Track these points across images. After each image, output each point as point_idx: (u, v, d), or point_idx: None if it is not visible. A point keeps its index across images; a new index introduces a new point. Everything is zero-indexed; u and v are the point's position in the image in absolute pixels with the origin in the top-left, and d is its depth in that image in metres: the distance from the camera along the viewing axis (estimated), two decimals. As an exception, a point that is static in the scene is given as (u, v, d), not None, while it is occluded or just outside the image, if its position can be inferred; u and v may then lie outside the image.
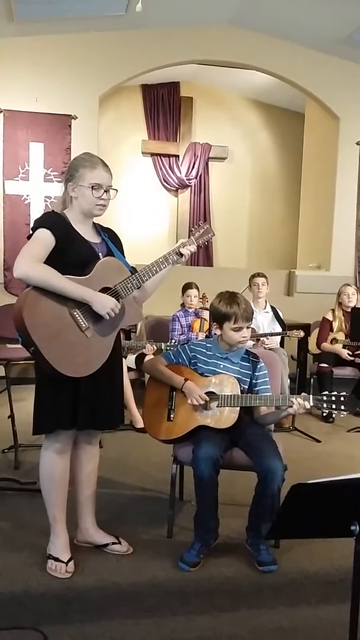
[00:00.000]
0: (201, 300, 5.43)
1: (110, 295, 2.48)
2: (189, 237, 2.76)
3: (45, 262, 2.39)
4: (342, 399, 2.68)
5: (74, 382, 2.45)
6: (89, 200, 2.52)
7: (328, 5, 5.81)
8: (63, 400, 2.49)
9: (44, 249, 2.40)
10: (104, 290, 2.49)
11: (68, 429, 2.55)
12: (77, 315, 2.41)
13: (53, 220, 2.50)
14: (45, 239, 2.42)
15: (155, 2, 5.41)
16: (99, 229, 2.69)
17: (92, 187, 2.50)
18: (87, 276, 2.45)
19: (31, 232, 2.47)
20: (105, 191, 2.54)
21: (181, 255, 2.67)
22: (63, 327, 2.38)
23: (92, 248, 2.56)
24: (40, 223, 2.47)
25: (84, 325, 2.42)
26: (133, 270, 2.63)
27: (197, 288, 5.49)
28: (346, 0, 5.63)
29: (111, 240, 2.69)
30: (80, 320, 2.41)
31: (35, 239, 2.43)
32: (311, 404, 2.70)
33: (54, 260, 2.40)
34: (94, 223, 2.67)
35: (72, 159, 2.70)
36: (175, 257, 2.66)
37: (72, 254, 2.46)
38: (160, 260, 2.63)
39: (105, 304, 2.43)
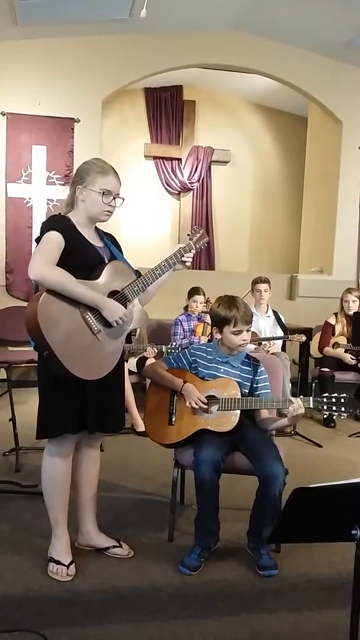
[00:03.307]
0: (205, 304, 5.43)
1: (118, 298, 2.49)
2: (188, 242, 2.78)
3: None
4: (342, 400, 2.69)
5: (81, 385, 2.46)
6: (98, 205, 2.54)
7: (330, 10, 5.82)
8: (71, 404, 2.49)
9: (56, 251, 2.41)
10: (112, 293, 2.51)
11: (75, 433, 2.55)
12: (89, 318, 2.42)
13: (62, 223, 2.51)
14: (57, 241, 2.43)
15: (159, 7, 5.42)
16: (101, 234, 2.70)
17: (103, 192, 2.52)
18: (96, 280, 2.46)
19: (40, 234, 2.47)
20: (113, 198, 2.55)
21: (184, 262, 2.70)
22: (76, 330, 2.39)
23: (97, 252, 2.58)
24: (49, 225, 2.48)
25: (95, 329, 2.43)
26: (137, 273, 2.64)
27: (204, 294, 5.48)
28: (348, 4, 5.65)
29: (113, 245, 2.70)
30: (92, 323, 2.42)
31: (47, 241, 2.43)
32: (311, 405, 2.70)
33: (62, 262, 2.41)
34: (96, 227, 2.67)
35: (74, 162, 2.72)
36: (175, 260, 2.68)
37: (79, 257, 2.47)
38: (163, 264, 2.66)
39: (115, 312, 2.44)
